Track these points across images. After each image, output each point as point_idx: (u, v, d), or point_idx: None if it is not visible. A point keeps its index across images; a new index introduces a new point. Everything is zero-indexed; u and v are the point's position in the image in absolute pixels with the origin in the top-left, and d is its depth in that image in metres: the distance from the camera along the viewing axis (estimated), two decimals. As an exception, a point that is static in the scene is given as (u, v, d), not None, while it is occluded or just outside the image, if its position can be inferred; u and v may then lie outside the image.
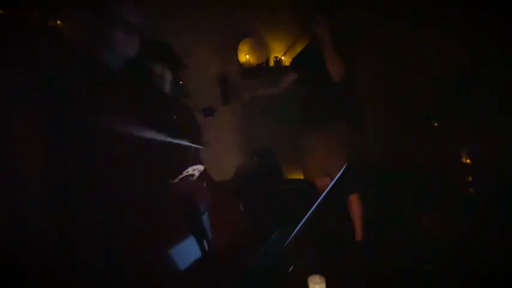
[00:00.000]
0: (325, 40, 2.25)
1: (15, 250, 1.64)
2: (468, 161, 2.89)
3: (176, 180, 1.29)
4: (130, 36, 1.34)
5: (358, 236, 2.56)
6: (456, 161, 2.94)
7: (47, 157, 1.26)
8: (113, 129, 1.09)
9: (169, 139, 1.23)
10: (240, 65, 3.38)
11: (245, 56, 3.38)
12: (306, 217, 1.29)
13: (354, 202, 2.55)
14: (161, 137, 1.21)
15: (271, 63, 3.43)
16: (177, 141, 1.27)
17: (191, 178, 1.34)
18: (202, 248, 1.24)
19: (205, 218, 1.28)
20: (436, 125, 2.59)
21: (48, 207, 1.26)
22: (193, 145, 1.37)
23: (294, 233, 1.29)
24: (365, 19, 3.42)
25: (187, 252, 1.24)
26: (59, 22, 2.59)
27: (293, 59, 2.92)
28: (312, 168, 2.65)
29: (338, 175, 1.40)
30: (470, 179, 2.85)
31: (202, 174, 1.39)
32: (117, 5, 1.31)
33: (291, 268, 1.53)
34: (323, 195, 1.34)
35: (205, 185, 1.39)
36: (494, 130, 2.62)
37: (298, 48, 2.87)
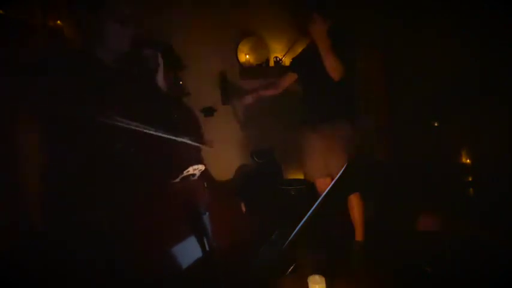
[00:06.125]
0: (322, 39, 2.25)
1: (15, 250, 1.64)
2: (468, 161, 2.89)
3: (177, 180, 1.29)
4: (125, 28, 1.34)
5: (358, 236, 2.56)
6: (456, 161, 2.94)
7: (47, 156, 1.26)
8: (114, 128, 1.09)
9: (170, 138, 1.23)
10: (240, 65, 3.38)
11: (245, 56, 3.38)
12: (306, 217, 1.29)
13: (354, 202, 2.55)
14: (162, 135, 1.21)
15: (271, 63, 3.43)
16: (180, 139, 1.27)
17: (192, 178, 1.34)
18: (202, 247, 1.24)
19: (205, 217, 1.28)
20: (436, 125, 2.59)
21: (48, 207, 1.26)
22: (196, 144, 1.37)
23: (294, 233, 1.29)
24: (365, 19, 3.42)
25: (188, 252, 1.24)
26: (59, 22, 2.59)
27: (293, 59, 2.92)
28: (312, 168, 2.65)
29: (338, 175, 1.41)
30: (470, 179, 2.85)
31: (203, 174, 1.39)
32: None
33: (291, 268, 1.53)
34: (323, 195, 1.35)
35: (206, 185, 1.39)
36: (494, 130, 2.62)
37: (298, 48, 2.87)
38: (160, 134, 1.19)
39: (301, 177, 2.96)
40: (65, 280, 1.18)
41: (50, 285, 1.24)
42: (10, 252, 1.65)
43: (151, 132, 1.17)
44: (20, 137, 1.29)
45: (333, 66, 2.28)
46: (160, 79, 1.39)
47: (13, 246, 1.68)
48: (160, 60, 1.39)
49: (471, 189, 2.81)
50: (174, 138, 1.24)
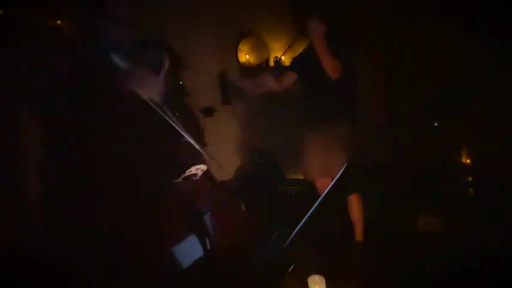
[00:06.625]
0: (319, 39, 2.25)
1: (15, 250, 1.64)
2: (468, 161, 2.89)
3: (179, 180, 1.29)
4: (125, 28, 1.34)
5: (358, 236, 2.56)
6: (456, 161, 2.94)
7: (47, 156, 1.26)
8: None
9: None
10: (240, 65, 3.38)
11: (245, 56, 3.38)
12: (306, 217, 1.29)
13: (354, 202, 2.55)
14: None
15: (271, 63, 3.44)
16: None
17: (194, 178, 1.34)
18: (204, 247, 1.25)
19: (207, 217, 1.28)
20: (436, 125, 2.59)
21: (48, 207, 1.26)
22: (193, 143, 1.37)
23: (294, 233, 1.29)
24: (365, 19, 3.42)
25: (189, 251, 1.24)
26: (59, 22, 2.59)
27: (293, 59, 2.92)
28: (312, 168, 2.65)
29: (338, 175, 1.41)
30: (470, 179, 2.85)
31: (205, 173, 1.39)
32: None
33: (291, 268, 1.53)
34: (323, 195, 1.35)
35: (208, 185, 1.39)
36: (494, 130, 2.62)
37: (299, 48, 2.87)
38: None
39: (301, 177, 2.96)
40: (65, 280, 1.18)
41: (50, 285, 1.24)
42: (10, 252, 1.65)
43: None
44: (20, 137, 1.29)
45: (330, 66, 2.28)
46: (161, 79, 1.39)
47: (13, 246, 1.68)
48: (166, 61, 1.39)
49: (471, 189, 2.81)
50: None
